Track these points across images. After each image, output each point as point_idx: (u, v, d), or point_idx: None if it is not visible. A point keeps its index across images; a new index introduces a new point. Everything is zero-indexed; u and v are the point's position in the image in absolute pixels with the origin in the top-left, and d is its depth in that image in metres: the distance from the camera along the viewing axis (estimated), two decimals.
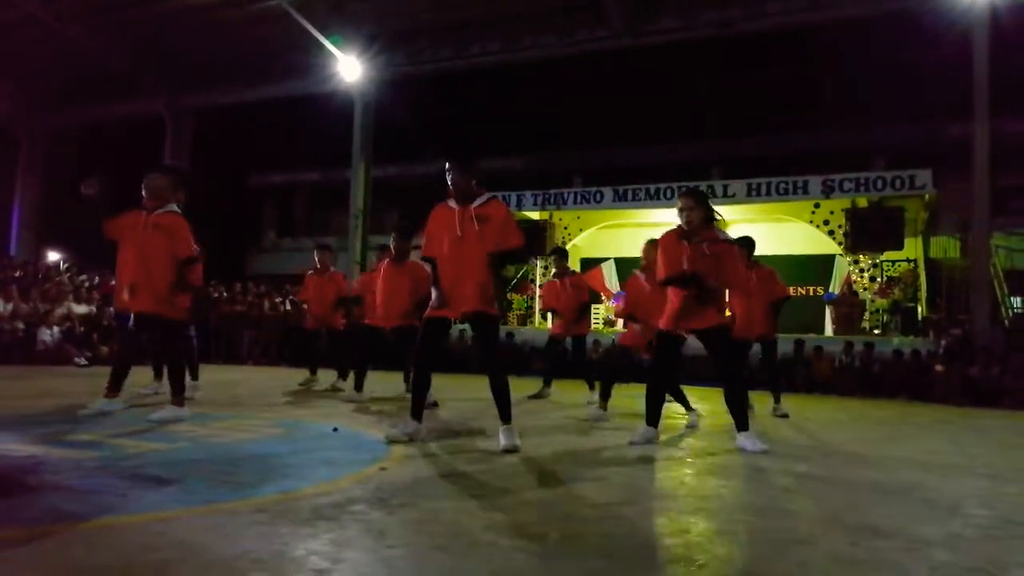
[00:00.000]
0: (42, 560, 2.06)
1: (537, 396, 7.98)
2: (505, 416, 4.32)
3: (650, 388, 4.93)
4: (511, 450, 4.11)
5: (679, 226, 4.83)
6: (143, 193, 5.27)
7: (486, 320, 4.40)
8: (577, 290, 8.17)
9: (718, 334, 4.82)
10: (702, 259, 4.69)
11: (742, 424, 4.77)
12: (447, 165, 4.44)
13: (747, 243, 7.18)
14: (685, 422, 6.03)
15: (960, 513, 3.14)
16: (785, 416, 7.06)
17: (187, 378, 5.89)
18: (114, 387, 5.27)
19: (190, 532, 2.35)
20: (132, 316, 5.21)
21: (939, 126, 17.43)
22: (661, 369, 4.98)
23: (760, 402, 7.36)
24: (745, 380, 7.52)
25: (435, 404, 6.53)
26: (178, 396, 5.21)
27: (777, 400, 7.33)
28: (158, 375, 6.88)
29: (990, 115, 12.91)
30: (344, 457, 3.88)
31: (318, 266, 8.60)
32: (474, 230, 4.33)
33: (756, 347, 7.42)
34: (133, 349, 5.57)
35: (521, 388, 7.00)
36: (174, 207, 5.35)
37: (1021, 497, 3.60)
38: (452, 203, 4.47)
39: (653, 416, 4.88)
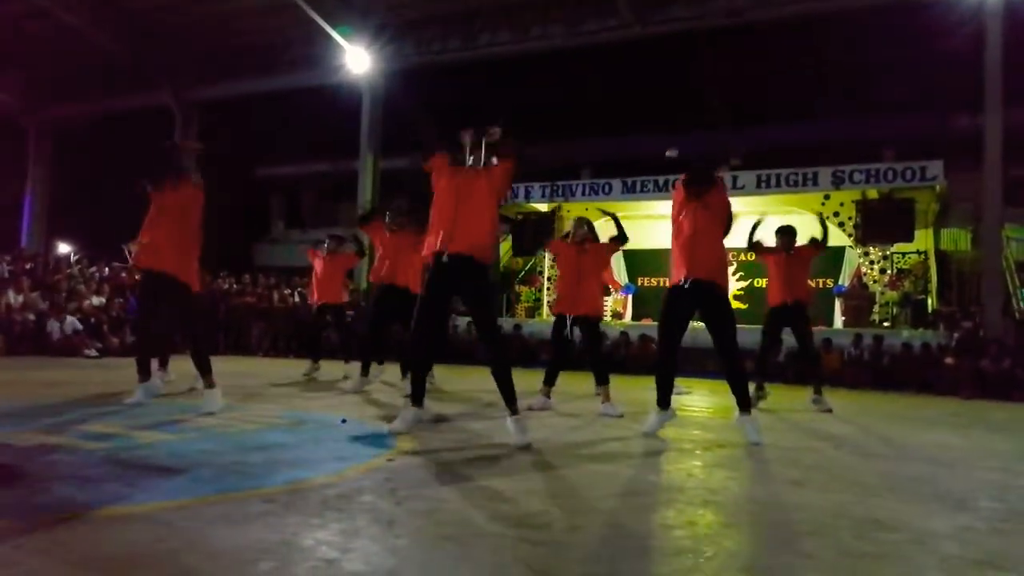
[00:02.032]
0: (51, 549, 2.08)
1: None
2: (512, 406, 4.22)
3: (658, 369, 4.93)
4: (524, 446, 4.03)
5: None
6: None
7: (477, 273, 4.31)
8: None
9: (724, 304, 4.81)
10: (703, 212, 4.76)
11: (745, 405, 4.76)
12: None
13: (787, 232, 7.80)
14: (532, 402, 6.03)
15: (969, 506, 3.12)
16: (829, 411, 6.97)
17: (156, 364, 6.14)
18: (144, 373, 5.44)
19: (199, 522, 2.36)
20: (142, 275, 5.38)
21: (950, 117, 17.28)
22: (669, 346, 4.91)
23: (781, 395, 7.33)
24: (766, 369, 7.64)
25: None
26: (209, 378, 5.22)
27: (817, 391, 7.31)
28: (163, 364, 6.91)
29: (1003, 105, 12.80)
30: (352, 448, 3.89)
31: (326, 250, 9.04)
32: (478, 184, 4.35)
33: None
34: (147, 334, 5.69)
35: (527, 380, 6.97)
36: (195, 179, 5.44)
37: None
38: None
39: (663, 398, 4.87)
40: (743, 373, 4.84)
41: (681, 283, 4.71)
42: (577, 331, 6.42)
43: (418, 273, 6.96)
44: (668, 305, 4.87)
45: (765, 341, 7.66)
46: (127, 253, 5.51)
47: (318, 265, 8.98)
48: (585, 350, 6.85)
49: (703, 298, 4.73)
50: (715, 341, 4.81)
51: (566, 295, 6.46)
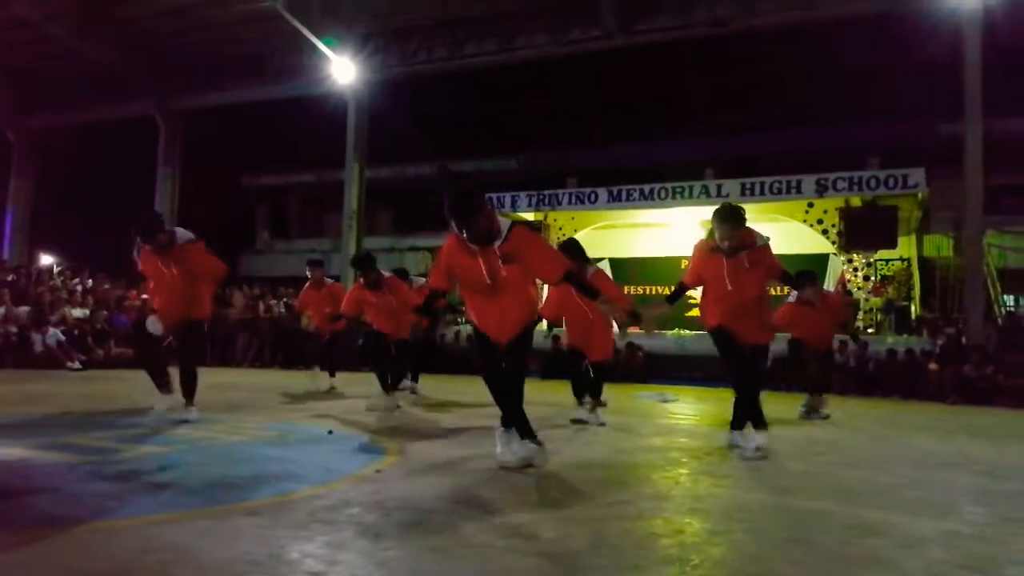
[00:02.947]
0: (38, 564, 2.06)
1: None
2: (504, 420, 4.05)
3: (741, 391, 4.71)
4: (504, 463, 3.81)
5: (714, 238, 4.63)
6: (150, 246, 5.23)
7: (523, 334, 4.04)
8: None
9: (762, 351, 4.84)
10: (743, 272, 4.55)
11: (738, 424, 4.73)
12: (453, 222, 3.80)
13: (811, 280, 6.97)
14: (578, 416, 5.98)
15: (955, 511, 3.15)
16: (826, 418, 7.18)
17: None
18: (165, 386, 5.41)
19: (186, 535, 2.35)
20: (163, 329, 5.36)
21: (932, 125, 17.48)
22: (742, 367, 4.74)
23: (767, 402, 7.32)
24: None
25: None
26: (191, 399, 5.31)
27: (816, 399, 7.49)
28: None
29: (982, 114, 12.96)
30: (339, 460, 3.88)
31: (312, 281, 8.63)
32: (504, 273, 3.86)
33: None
34: (151, 349, 5.61)
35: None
36: (181, 234, 5.33)
37: (1015, 495, 3.62)
38: (468, 241, 3.87)
39: (758, 418, 4.63)
40: (753, 399, 4.66)
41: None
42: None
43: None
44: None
45: (793, 363, 7.79)
46: (148, 327, 5.42)
47: (312, 304, 8.57)
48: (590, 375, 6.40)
49: None
50: None
51: (581, 340, 6.08)
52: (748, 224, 4.61)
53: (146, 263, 5.33)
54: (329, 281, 8.85)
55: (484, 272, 3.86)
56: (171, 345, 5.60)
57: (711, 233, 4.68)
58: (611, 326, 6.12)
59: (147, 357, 5.62)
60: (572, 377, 6.34)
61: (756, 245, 4.60)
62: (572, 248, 5.99)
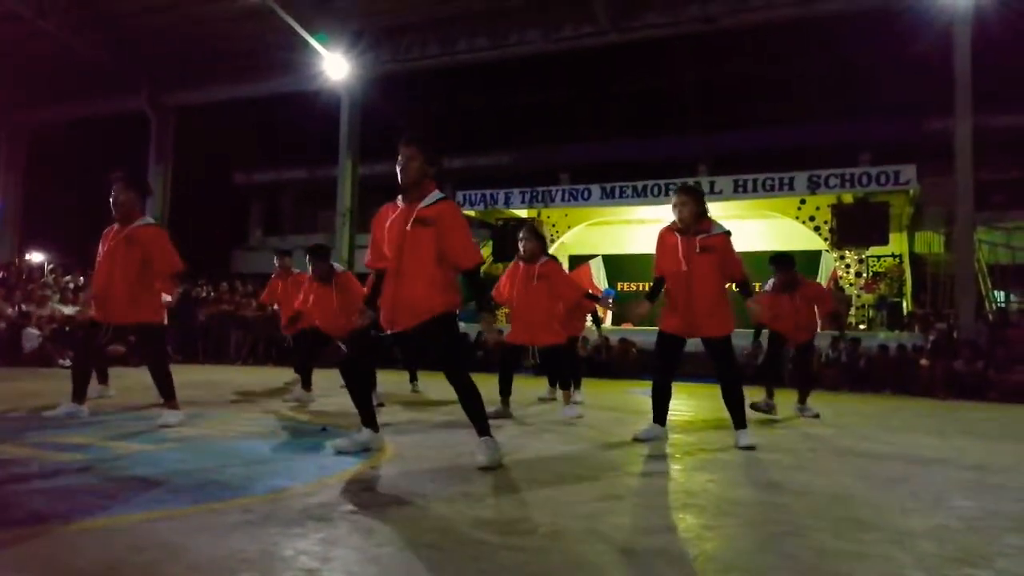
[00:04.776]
0: (28, 563, 2.05)
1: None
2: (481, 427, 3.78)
3: (655, 386, 4.87)
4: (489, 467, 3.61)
5: (673, 221, 4.82)
6: (112, 207, 4.99)
7: (437, 323, 3.71)
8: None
9: (721, 343, 4.72)
10: (695, 255, 4.67)
11: (741, 423, 4.73)
12: (402, 151, 3.69)
13: (785, 265, 6.83)
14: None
15: (945, 505, 3.17)
16: (816, 416, 6.90)
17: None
18: (79, 393, 5.17)
19: (177, 533, 2.34)
20: (105, 328, 5.03)
21: (923, 121, 17.56)
22: (664, 367, 4.88)
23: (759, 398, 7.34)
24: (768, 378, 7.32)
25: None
26: (171, 399, 4.99)
27: (802, 400, 7.13)
28: (103, 379, 6.65)
29: (973, 110, 13.02)
30: (333, 456, 3.86)
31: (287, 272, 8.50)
32: (416, 235, 3.65)
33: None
34: (88, 354, 5.43)
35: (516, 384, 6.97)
36: (149, 219, 5.14)
37: (1005, 489, 3.64)
38: (399, 200, 3.79)
39: (659, 414, 4.83)
40: (739, 396, 4.75)
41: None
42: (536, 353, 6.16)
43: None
44: None
45: (768, 358, 7.39)
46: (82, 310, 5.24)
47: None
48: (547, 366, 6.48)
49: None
50: (716, 366, 4.84)
51: (521, 330, 6.04)
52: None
53: (105, 238, 5.06)
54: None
55: (399, 225, 3.69)
56: (110, 342, 5.38)
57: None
58: (557, 305, 6.18)
59: (77, 356, 5.36)
60: (500, 371, 6.17)
61: (712, 232, 4.72)
62: (534, 230, 6.25)
